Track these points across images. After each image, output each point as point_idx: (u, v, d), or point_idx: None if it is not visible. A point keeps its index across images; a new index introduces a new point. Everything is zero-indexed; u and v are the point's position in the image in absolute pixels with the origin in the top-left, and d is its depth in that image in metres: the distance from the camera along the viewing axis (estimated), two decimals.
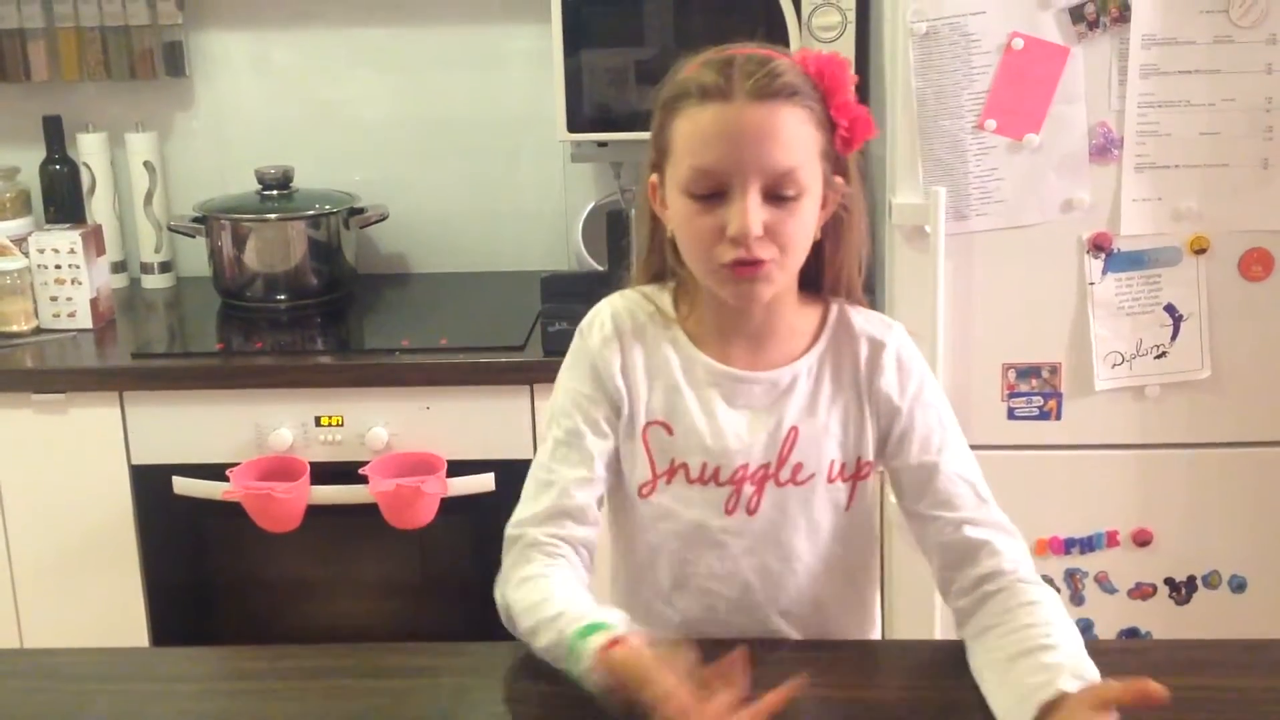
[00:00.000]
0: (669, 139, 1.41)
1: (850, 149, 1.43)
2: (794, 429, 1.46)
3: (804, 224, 1.39)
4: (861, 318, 1.51)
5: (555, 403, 1.50)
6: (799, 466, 1.47)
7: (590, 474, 1.47)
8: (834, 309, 1.51)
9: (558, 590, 1.39)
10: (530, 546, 1.44)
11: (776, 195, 1.36)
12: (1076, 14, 2.16)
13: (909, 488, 1.48)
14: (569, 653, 1.31)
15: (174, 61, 2.86)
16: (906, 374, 1.48)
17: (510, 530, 1.47)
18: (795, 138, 1.37)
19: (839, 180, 1.43)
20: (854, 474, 1.49)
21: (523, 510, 1.47)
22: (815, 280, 1.50)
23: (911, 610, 2.33)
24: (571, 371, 1.50)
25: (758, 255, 1.36)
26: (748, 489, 1.46)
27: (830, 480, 1.48)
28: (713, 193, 1.37)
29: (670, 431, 1.47)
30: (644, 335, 1.49)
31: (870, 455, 1.49)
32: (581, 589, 1.41)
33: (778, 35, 2.38)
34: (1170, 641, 2.03)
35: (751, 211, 1.35)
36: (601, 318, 1.51)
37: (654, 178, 1.45)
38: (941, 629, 2.31)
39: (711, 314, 1.48)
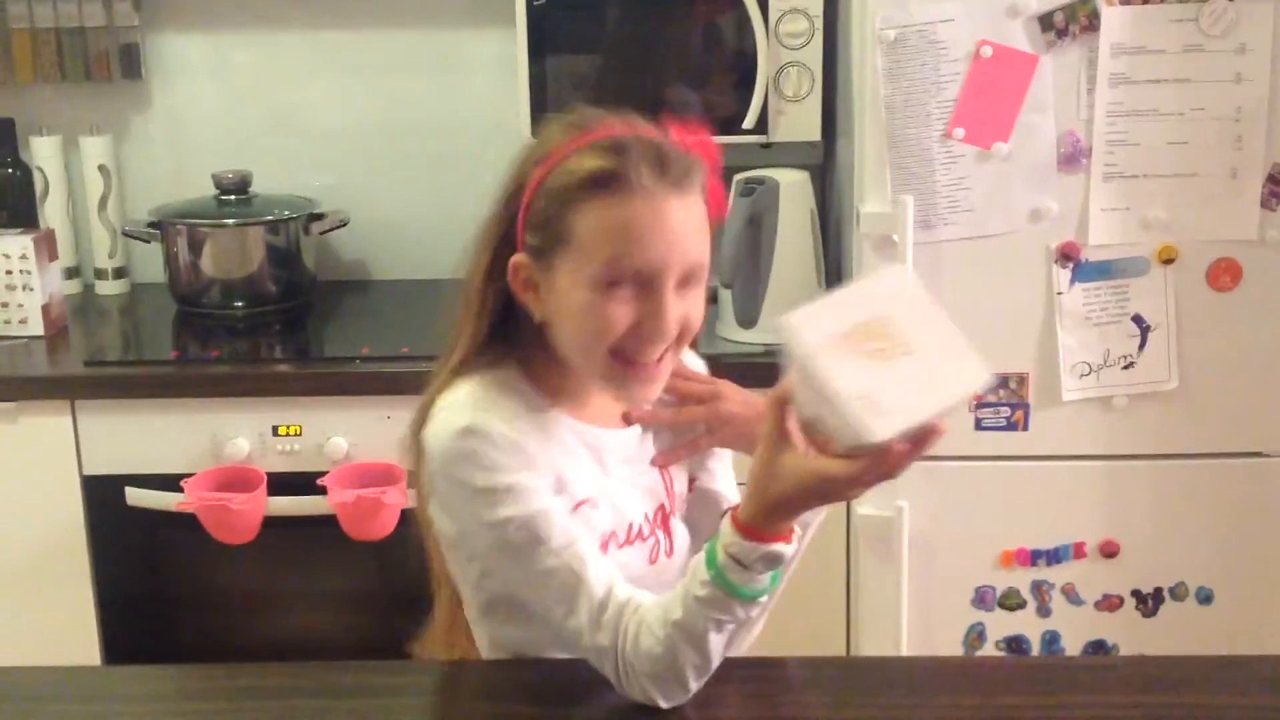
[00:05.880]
0: (567, 229, 1.33)
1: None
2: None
3: (701, 309, 1.38)
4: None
5: (498, 506, 1.35)
6: (678, 494, 1.52)
7: (579, 537, 1.38)
8: None
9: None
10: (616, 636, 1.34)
11: (682, 285, 1.34)
12: (1046, 22, 2.15)
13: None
14: (727, 583, 1.26)
15: (130, 64, 2.81)
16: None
17: (587, 642, 1.34)
18: (703, 226, 1.36)
19: None
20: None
21: (578, 614, 1.35)
22: None
23: (878, 624, 2.32)
24: (491, 473, 1.35)
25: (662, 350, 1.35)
26: (660, 535, 1.48)
27: (689, 491, 1.55)
28: (623, 283, 1.32)
29: (595, 506, 1.43)
30: (533, 430, 1.38)
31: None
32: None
33: (746, 42, 2.37)
34: (1140, 658, 2.02)
35: (670, 309, 1.33)
36: (492, 433, 1.35)
37: (521, 259, 1.38)
38: (909, 644, 2.29)
39: (571, 380, 1.42)
